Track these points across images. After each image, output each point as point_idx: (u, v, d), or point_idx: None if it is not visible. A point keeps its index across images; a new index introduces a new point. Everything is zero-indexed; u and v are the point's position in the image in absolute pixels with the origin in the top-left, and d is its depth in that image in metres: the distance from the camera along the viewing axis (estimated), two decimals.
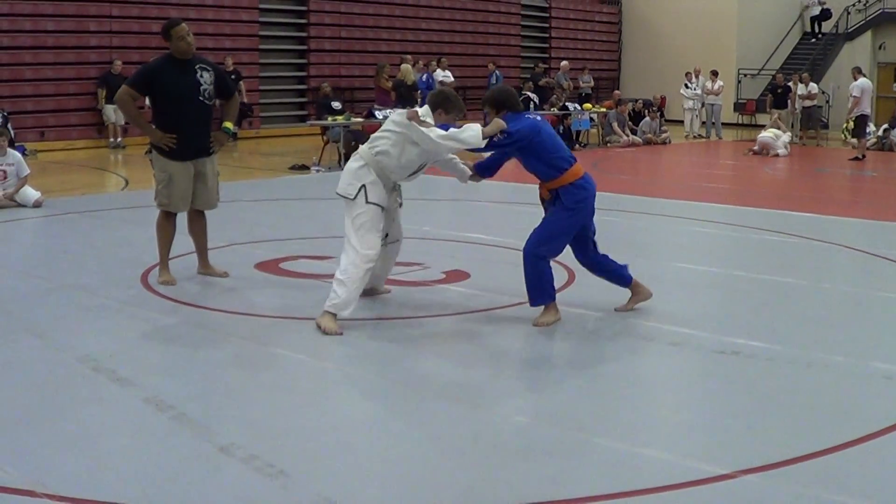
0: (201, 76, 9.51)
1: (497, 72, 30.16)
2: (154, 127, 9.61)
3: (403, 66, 24.98)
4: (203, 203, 9.86)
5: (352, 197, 8.31)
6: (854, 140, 26.06)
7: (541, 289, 8.36)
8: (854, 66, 28.42)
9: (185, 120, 9.49)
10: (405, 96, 24.20)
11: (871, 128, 27.20)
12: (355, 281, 8.13)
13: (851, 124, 26.28)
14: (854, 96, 25.71)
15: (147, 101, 9.95)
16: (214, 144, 9.79)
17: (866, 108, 25.77)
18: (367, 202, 8.27)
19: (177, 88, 9.41)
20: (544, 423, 6.15)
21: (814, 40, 40.37)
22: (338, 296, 8.05)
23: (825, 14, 40.61)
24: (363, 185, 8.30)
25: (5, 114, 21.49)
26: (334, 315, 8.04)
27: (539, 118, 8.63)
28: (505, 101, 8.43)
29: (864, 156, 25.14)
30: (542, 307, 8.37)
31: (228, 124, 9.97)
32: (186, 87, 9.44)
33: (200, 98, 9.50)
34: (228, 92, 10.00)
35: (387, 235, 8.79)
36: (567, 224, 8.38)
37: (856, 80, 26.07)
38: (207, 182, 9.78)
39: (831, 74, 38.56)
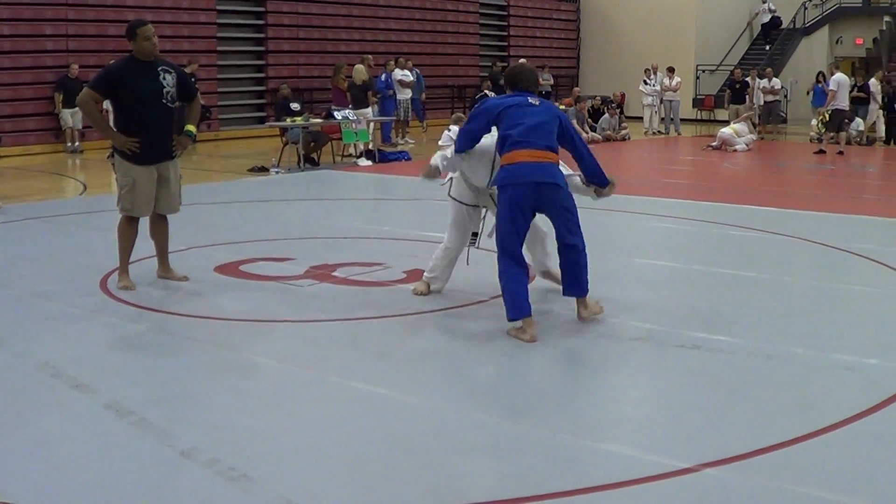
0: (164, 78, 9.39)
1: (397, 71, 29.19)
2: (116, 131, 9.48)
3: (356, 66, 24.82)
4: (166, 207, 9.75)
5: (442, 183, 9.04)
6: (825, 133, 26.23)
7: (506, 302, 7.99)
8: (813, 61, 28.79)
9: (149, 123, 9.38)
10: (357, 97, 24.05)
11: (857, 124, 27.39)
12: (438, 263, 9.19)
13: (826, 117, 26.46)
14: (831, 90, 25.96)
15: (106, 105, 9.87)
16: (177, 148, 9.70)
17: (842, 103, 25.97)
18: (448, 195, 9.11)
19: (140, 91, 9.31)
20: (507, 420, 6.14)
21: (767, 47, 40.42)
22: (429, 270, 9.27)
23: (775, 21, 40.76)
24: (451, 178, 9.10)
25: None
26: (427, 284, 9.27)
27: (524, 100, 8.21)
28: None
29: (842, 151, 25.38)
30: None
31: (191, 127, 9.87)
32: (150, 89, 9.32)
33: (164, 101, 9.40)
34: (191, 94, 9.89)
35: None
36: (499, 214, 8.16)
37: (833, 74, 26.36)
38: (170, 186, 9.68)
39: (789, 69, 38.80)
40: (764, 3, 41.17)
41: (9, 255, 11.76)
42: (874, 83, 29.22)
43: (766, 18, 40.97)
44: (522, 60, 32.56)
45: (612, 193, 8.81)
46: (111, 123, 9.74)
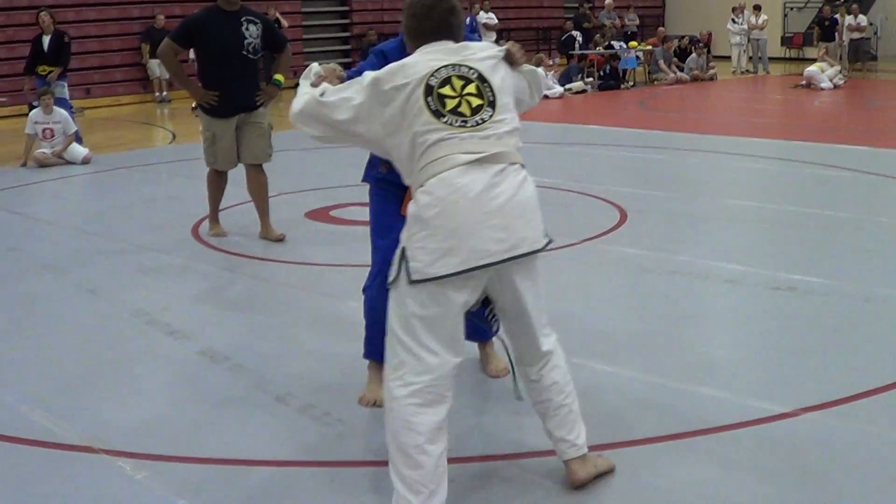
0: (247, 29, 9.20)
1: (481, 14, 29.21)
2: (198, 83, 9.40)
3: None
4: (251, 156, 9.53)
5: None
6: None
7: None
8: None
9: (228, 75, 9.20)
10: None
11: None
12: None
13: None
14: None
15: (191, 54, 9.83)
16: (263, 97, 9.51)
17: None
18: None
19: (220, 42, 9.13)
20: (601, 363, 6.09)
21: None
22: None
23: None
24: None
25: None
26: None
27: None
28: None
29: None
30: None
31: (279, 77, 9.67)
32: (230, 40, 9.14)
33: (244, 52, 9.19)
34: (279, 44, 9.65)
35: None
36: None
37: None
38: (254, 134, 9.49)
39: (879, 5, 38.02)
40: None
41: (100, 205, 11.91)
42: None
43: None
44: (609, 1, 32.23)
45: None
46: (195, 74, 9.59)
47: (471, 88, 4.30)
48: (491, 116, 4.28)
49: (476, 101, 4.28)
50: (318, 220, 10.17)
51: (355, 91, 4.35)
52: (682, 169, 13.71)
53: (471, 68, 4.35)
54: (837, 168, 12.99)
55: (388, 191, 5.38)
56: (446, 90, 4.26)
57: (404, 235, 4.23)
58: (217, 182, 9.64)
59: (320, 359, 6.34)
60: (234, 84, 9.26)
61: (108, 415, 5.48)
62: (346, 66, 5.07)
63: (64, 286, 8.17)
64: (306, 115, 4.46)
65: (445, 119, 4.21)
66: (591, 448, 4.58)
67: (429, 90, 4.24)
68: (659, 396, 5.59)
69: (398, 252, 4.22)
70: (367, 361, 5.65)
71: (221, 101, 9.26)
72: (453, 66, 4.32)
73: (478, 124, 4.24)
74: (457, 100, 4.26)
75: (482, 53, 4.45)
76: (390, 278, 4.24)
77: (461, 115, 4.24)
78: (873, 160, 13.59)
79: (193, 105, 9.73)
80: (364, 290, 5.60)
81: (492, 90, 4.34)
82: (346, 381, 5.92)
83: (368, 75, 4.35)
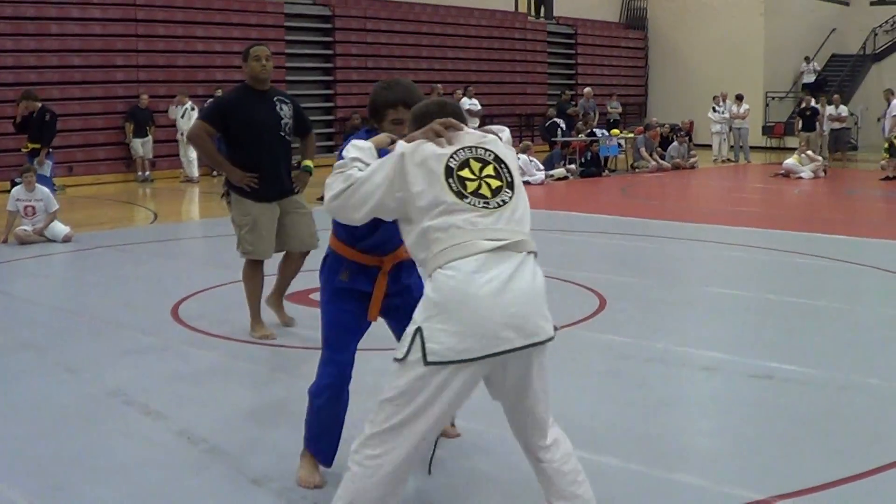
0: (281, 109, 8.78)
1: (465, 100, 29.00)
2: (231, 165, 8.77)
3: None
4: (300, 243, 9.12)
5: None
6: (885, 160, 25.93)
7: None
8: (885, 88, 28.56)
9: (267, 156, 8.73)
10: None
11: None
12: None
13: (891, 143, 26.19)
14: (893, 116, 25.87)
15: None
16: (297, 185, 9.13)
17: None
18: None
19: (257, 121, 8.66)
20: (576, 452, 6.08)
21: (802, 105, 38.74)
22: None
23: (820, 83, 39.82)
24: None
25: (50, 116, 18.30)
26: None
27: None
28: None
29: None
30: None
31: (308, 163, 9.22)
32: (267, 120, 8.70)
33: (282, 133, 8.78)
34: (306, 127, 9.25)
35: None
36: None
37: (889, 102, 26.20)
38: (299, 220, 9.09)
39: (860, 96, 38.44)
40: (808, 63, 40.49)
41: (80, 283, 11.91)
42: None
43: (811, 79, 40.04)
44: (587, 90, 32.54)
45: None
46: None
47: (489, 170, 4.39)
48: (511, 198, 4.38)
49: (495, 183, 4.37)
50: (299, 304, 10.14)
51: (379, 173, 4.42)
52: (662, 256, 13.77)
53: (486, 150, 4.44)
54: (815, 257, 13.07)
55: (348, 301, 5.65)
56: (465, 173, 4.33)
57: (420, 316, 4.21)
58: (254, 277, 9.02)
59: (298, 441, 6.32)
60: (274, 166, 8.82)
61: (85, 496, 5.46)
62: (329, 150, 5.23)
63: (42, 365, 8.14)
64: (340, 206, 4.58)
65: (468, 200, 4.27)
66: None
67: (449, 172, 4.31)
68: (635, 484, 5.60)
69: (412, 331, 4.20)
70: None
71: (262, 184, 8.73)
72: (470, 148, 4.41)
73: (499, 206, 4.32)
74: (476, 182, 4.33)
75: (491, 136, 4.57)
76: (399, 356, 4.22)
77: (482, 196, 4.31)
78: (851, 249, 13.67)
79: (224, 192, 9.20)
80: (310, 394, 5.69)
81: (509, 170, 4.45)
82: None
83: (397, 153, 4.40)
